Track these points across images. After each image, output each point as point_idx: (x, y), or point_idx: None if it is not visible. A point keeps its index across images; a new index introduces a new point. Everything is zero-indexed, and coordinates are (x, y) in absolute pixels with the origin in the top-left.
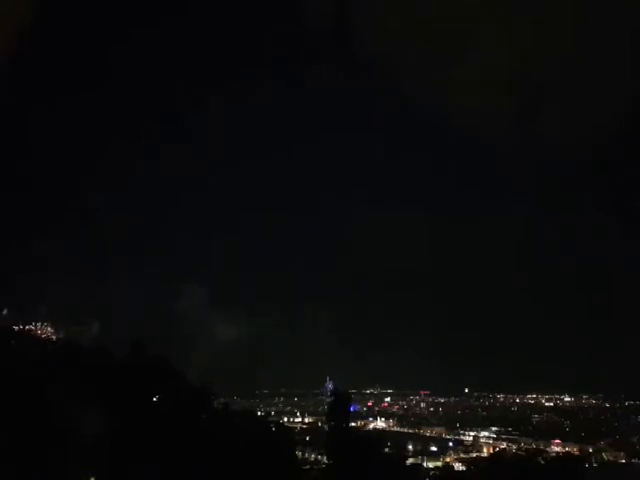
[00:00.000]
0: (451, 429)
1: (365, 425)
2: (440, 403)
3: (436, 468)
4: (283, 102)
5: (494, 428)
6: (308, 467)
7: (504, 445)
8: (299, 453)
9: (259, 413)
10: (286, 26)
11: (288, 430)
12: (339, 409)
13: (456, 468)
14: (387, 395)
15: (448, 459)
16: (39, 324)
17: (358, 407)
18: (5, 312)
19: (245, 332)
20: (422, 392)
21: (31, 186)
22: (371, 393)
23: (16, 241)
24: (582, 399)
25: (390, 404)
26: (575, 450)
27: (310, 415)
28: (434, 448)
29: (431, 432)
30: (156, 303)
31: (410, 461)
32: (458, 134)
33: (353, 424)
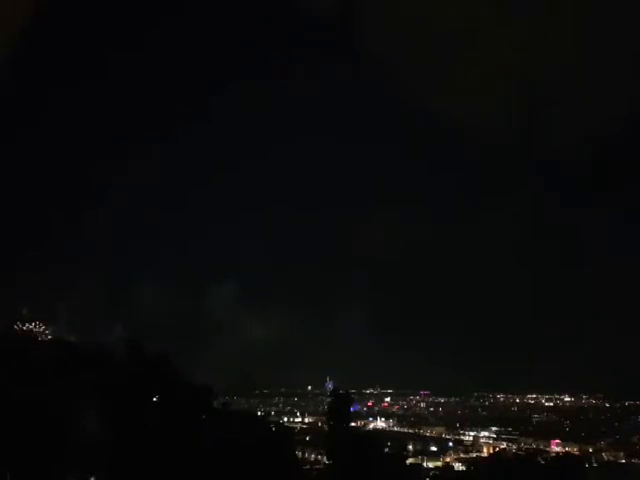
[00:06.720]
0: (451, 429)
1: (365, 425)
2: (440, 403)
3: (436, 468)
4: (283, 99)
5: (494, 428)
6: (308, 467)
7: (504, 445)
8: (299, 453)
9: (259, 413)
10: (287, 20)
11: (288, 430)
12: (339, 409)
13: (456, 468)
14: (387, 395)
15: (448, 459)
16: (40, 325)
17: (358, 407)
18: (25, 311)
19: (245, 332)
20: (422, 392)
21: (45, 185)
22: (371, 393)
23: (36, 240)
24: (582, 399)
25: (390, 404)
26: (575, 450)
27: (310, 415)
28: (434, 448)
29: (431, 432)
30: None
31: (410, 461)
32: (458, 133)
33: (353, 424)
